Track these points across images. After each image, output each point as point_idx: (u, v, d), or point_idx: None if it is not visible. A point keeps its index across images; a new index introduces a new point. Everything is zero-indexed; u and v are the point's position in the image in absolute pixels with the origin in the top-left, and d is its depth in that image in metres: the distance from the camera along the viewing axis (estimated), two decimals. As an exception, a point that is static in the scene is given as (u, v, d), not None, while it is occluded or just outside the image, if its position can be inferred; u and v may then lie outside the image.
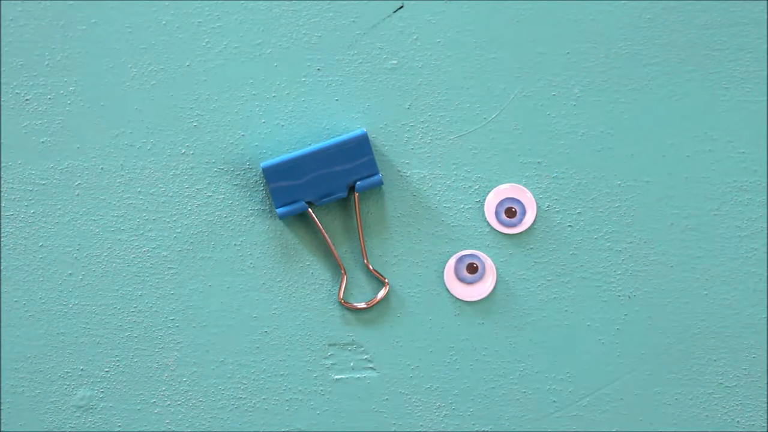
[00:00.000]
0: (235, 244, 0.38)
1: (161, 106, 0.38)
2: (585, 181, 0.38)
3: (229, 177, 0.38)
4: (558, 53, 0.38)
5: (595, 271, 0.38)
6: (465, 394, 0.38)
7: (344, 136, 0.36)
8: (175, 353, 0.38)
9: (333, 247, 0.37)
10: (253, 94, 0.38)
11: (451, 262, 0.37)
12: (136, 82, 0.38)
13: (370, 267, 0.37)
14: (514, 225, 0.37)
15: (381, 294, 0.37)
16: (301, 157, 0.35)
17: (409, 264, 0.38)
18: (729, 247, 0.37)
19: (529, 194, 0.37)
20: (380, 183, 0.35)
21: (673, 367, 0.37)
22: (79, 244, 0.38)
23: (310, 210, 0.35)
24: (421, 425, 0.38)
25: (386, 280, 0.37)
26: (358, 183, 0.35)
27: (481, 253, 0.37)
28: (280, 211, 0.35)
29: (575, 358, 0.38)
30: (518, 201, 0.37)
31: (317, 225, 0.35)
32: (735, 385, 0.37)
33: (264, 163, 0.35)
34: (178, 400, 0.38)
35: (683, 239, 0.37)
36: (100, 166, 0.38)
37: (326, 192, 0.35)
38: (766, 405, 0.37)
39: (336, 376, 0.38)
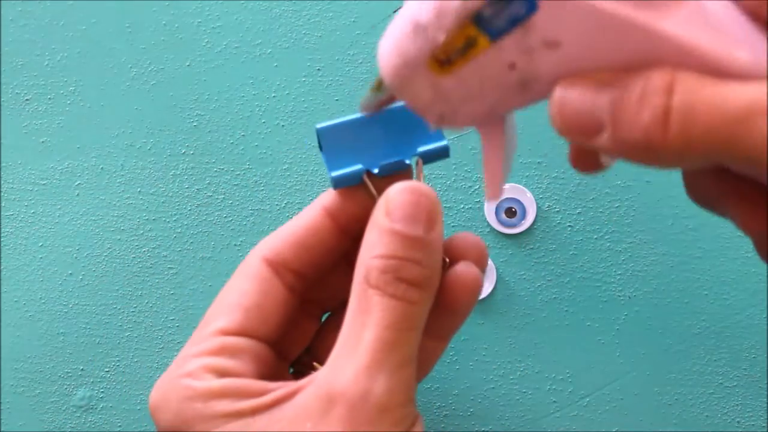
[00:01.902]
0: (235, 244, 0.38)
1: (161, 106, 0.38)
2: (585, 181, 0.38)
3: (229, 177, 0.38)
4: (558, 53, 0.38)
5: (595, 271, 0.38)
6: (465, 394, 0.38)
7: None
8: (176, 353, 0.38)
9: None
10: (253, 94, 0.38)
11: (451, 262, 0.37)
12: (136, 82, 0.38)
13: None
14: (514, 225, 0.37)
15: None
16: (359, 120, 0.29)
17: (409, 264, 0.38)
18: (729, 247, 0.37)
19: (529, 194, 0.37)
20: (446, 149, 0.29)
21: (673, 367, 0.37)
22: (79, 244, 0.38)
23: (365, 177, 0.28)
24: (421, 425, 0.38)
25: None
26: (422, 149, 0.29)
27: (481, 253, 0.37)
28: (335, 175, 0.28)
29: (575, 358, 0.38)
30: (518, 201, 0.37)
31: (372, 193, 0.29)
32: (735, 385, 0.37)
33: (320, 125, 0.29)
34: (178, 400, 0.38)
35: (683, 239, 0.37)
36: (100, 166, 0.38)
37: (387, 159, 0.29)
38: (766, 405, 0.37)
39: (336, 376, 0.38)
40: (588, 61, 0.19)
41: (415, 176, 0.29)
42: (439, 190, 0.38)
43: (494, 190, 0.23)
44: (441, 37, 0.19)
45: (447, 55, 0.20)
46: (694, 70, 0.17)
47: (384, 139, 0.28)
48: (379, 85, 0.24)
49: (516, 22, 0.18)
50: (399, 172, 0.28)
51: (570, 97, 0.19)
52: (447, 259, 0.28)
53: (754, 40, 0.19)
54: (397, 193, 0.25)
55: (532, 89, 0.20)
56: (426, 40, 0.20)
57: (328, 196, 0.28)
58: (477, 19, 0.19)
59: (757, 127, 0.16)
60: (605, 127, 0.18)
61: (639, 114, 0.18)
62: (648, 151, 0.18)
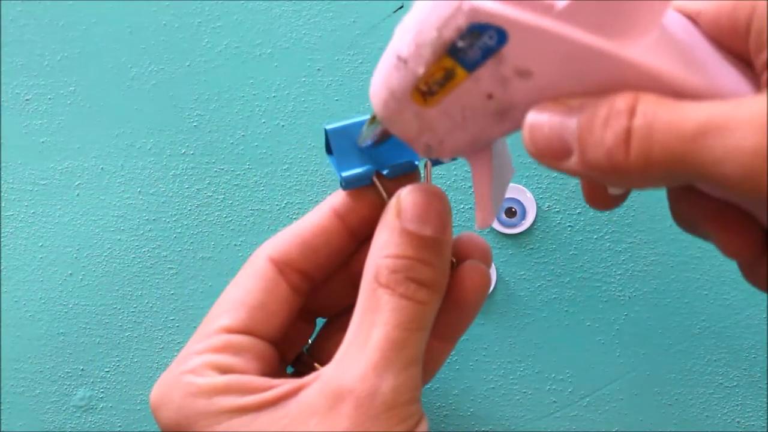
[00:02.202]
0: (235, 244, 0.38)
1: (161, 106, 0.38)
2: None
3: (229, 177, 0.38)
4: (558, 53, 0.38)
5: (595, 271, 0.38)
6: (465, 394, 0.38)
7: None
8: (176, 353, 0.38)
9: None
10: (253, 94, 0.38)
11: (451, 262, 0.37)
12: (136, 82, 0.38)
13: None
14: (514, 225, 0.37)
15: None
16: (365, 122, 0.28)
17: (409, 264, 0.38)
18: (729, 247, 0.37)
19: (529, 194, 0.37)
20: None
21: (673, 367, 0.37)
22: (79, 244, 0.38)
23: (375, 178, 0.28)
24: (421, 425, 0.38)
25: None
26: None
27: (481, 253, 0.37)
28: (345, 176, 0.28)
29: (575, 358, 0.38)
30: (518, 201, 0.37)
31: (382, 194, 0.28)
32: (735, 385, 0.37)
33: (329, 126, 0.29)
34: (178, 400, 0.38)
35: (683, 239, 0.37)
36: (100, 166, 0.38)
37: (396, 160, 0.28)
38: (766, 405, 0.37)
39: (336, 376, 0.38)
40: (560, 89, 0.19)
41: (423, 177, 0.29)
42: (439, 190, 0.38)
43: (484, 217, 0.24)
44: (421, 70, 0.20)
45: (428, 87, 0.21)
46: (658, 93, 0.18)
47: (392, 140, 0.28)
48: (374, 119, 0.25)
49: (489, 52, 0.19)
50: (407, 173, 0.28)
51: (540, 122, 0.20)
52: (453, 261, 0.28)
53: (714, 64, 0.19)
54: (408, 193, 0.25)
55: (510, 118, 0.20)
56: (408, 73, 0.21)
57: (337, 197, 0.28)
58: (452, 51, 0.19)
59: (707, 144, 0.17)
60: (573, 150, 0.19)
61: (603, 136, 0.18)
62: (613, 172, 0.18)
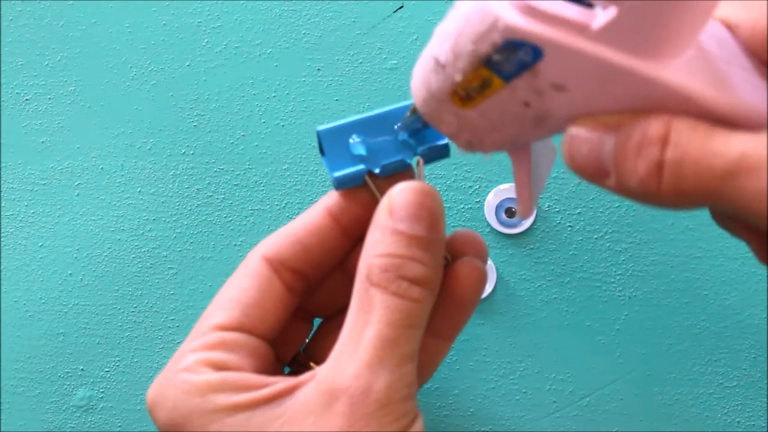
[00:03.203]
0: (235, 244, 0.38)
1: (161, 106, 0.38)
2: (585, 181, 0.38)
3: (229, 177, 0.38)
4: (558, 53, 0.38)
5: (595, 271, 0.38)
6: (465, 394, 0.38)
7: (405, 103, 0.29)
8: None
9: None
10: (253, 94, 0.38)
11: (451, 262, 0.37)
12: (136, 82, 0.38)
13: None
14: (514, 225, 0.37)
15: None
16: (359, 122, 0.29)
17: (409, 264, 0.38)
18: (729, 247, 0.37)
19: (529, 194, 0.37)
20: (447, 148, 0.29)
21: (673, 367, 0.37)
22: (79, 244, 0.38)
23: (367, 177, 0.28)
24: (421, 425, 0.38)
25: None
26: (422, 149, 0.29)
27: (481, 253, 0.37)
28: (337, 176, 0.28)
29: (575, 358, 0.38)
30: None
31: (374, 193, 0.29)
32: (735, 385, 0.37)
33: (320, 128, 0.29)
34: (178, 400, 0.38)
35: (683, 239, 0.37)
36: (100, 166, 0.38)
37: (388, 159, 0.28)
38: (766, 405, 0.37)
39: (336, 376, 0.38)
40: (596, 104, 0.19)
41: (416, 176, 0.29)
42: (439, 190, 0.38)
43: (525, 207, 0.25)
44: (458, 77, 0.21)
45: (466, 92, 0.21)
46: (692, 115, 0.18)
47: (386, 138, 0.28)
48: (414, 110, 0.25)
49: (524, 67, 0.19)
50: (400, 172, 0.28)
51: (578, 141, 0.20)
52: (449, 257, 0.28)
53: (748, 82, 0.20)
54: (399, 192, 0.25)
55: (547, 125, 0.21)
56: (446, 77, 0.21)
57: (331, 198, 0.28)
58: (488, 63, 0.20)
59: (738, 184, 0.17)
60: (610, 172, 0.20)
61: (636, 164, 0.19)
62: (647, 198, 0.19)
